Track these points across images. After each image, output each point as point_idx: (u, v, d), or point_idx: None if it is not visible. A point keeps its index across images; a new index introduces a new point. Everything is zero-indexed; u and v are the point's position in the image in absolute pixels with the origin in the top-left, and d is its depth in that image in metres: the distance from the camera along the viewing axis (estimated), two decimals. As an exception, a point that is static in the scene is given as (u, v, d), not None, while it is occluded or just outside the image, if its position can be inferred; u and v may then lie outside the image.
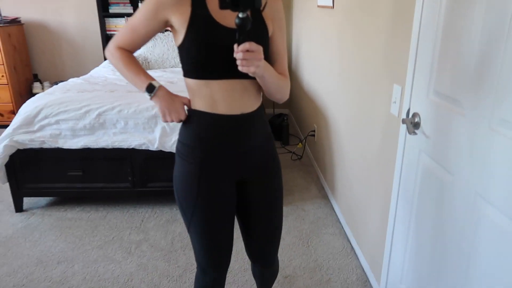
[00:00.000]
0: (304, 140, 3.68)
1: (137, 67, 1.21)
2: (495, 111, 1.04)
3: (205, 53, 1.12)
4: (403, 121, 1.48)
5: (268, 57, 1.21)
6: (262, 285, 1.56)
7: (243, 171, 1.26)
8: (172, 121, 1.20)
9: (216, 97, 1.16)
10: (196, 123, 1.20)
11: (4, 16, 4.28)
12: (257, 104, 1.23)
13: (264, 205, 1.31)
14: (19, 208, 2.64)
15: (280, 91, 1.23)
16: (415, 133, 1.46)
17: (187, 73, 1.18)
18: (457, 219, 1.23)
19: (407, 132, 1.49)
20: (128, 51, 1.23)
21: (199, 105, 1.19)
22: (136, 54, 3.99)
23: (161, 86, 1.19)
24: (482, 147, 1.09)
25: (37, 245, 2.30)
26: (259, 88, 1.23)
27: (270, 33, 1.20)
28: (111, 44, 1.22)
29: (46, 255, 2.20)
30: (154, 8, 1.14)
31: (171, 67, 3.95)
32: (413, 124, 1.46)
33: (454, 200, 1.24)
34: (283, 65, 1.26)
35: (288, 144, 3.89)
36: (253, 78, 1.16)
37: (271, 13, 1.21)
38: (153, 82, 1.19)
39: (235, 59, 1.04)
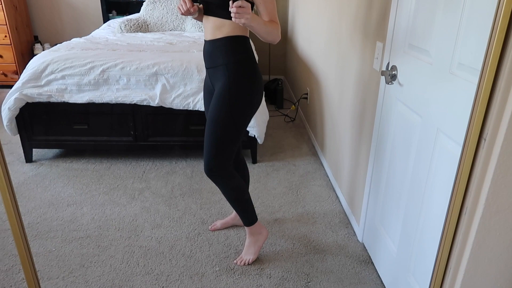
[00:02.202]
0: (297, 103, 3.85)
1: None
2: (454, 57, 1.20)
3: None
4: (382, 73, 1.65)
5: (257, 9, 1.61)
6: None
7: (212, 83, 1.73)
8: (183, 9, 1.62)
9: (204, 26, 1.68)
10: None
11: (4, -23, 4.32)
12: (220, 35, 1.62)
13: (210, 112, 1.68)
14: (29, 158, 2.82)
15: (270, 34, 1.58)
16: (392, 83, 1.63)
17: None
18: (423, 154, 1.42)
19: (386, 83, 1.66)
20: None
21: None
22: (135, 16, 4.08)
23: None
24: (444, 90, 1.26)
25: (47, 190, 2.49)
26: (227, 25, 1.60)
27: None
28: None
29: (56, 199, 2.40)
30: None
31: (170, 30, 4.05)
32: (391, 76, 1.63)
33: (421, 138, 1.42)
34: (270, 14, 1.60)
35: (282, 108, 4.06)
36: (218, 17, 1.58)
37: None
38: None
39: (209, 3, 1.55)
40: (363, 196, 2.02)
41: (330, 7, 2.70)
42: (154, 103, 2.67)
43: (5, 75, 4.32)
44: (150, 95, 2.67)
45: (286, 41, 4.87)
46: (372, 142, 1.88)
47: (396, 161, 1.64)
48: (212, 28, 1.62)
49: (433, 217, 1.35)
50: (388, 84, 1.62)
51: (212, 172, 1.72)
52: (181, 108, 2.67)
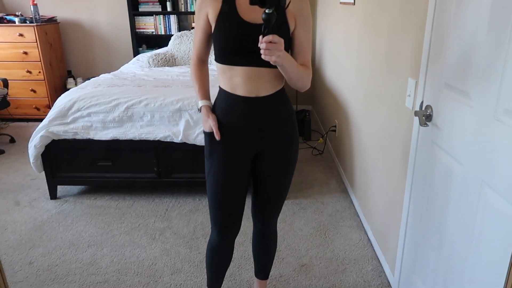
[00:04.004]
0: (325, 135, 3.72)
1: (199, 84, 1.47)
2: (499, 102, 1.07)
3: (227, 43, 1.32)
4: (416, 114, 1.52)
5: (291, 49, 1.39)
6: (263, 257, 1.74)
7: (258, 146, 1.45)
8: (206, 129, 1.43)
9: (235, 81, 1.36)
10: (220, 99, 1.44)
11: (42, 15, 4.52)
12: (273, 90, 1.39)
13: (275, 176, 1.51)
14: (53, 195, 2.82)
15: (300, 79, 1.36)
16: (427, 125, 1.49)
17: (216, 58, 1.39)
18: (465, 208, 1.26)
19: (420, 125, 1.52)
20: (201, 62, 1.49)
21: (223, 85, 1.41)
22: (163, 51, 4.14)
23: (202, 107, 1.44)
24: (488, 137, 1.12)
25: (69, 229, 2.46)
26: (276, 76, 1.38)
27: (291, 29, 1.35)
28: (192, 56, 1.50)
29: (77, 239, 2.36)
30: (199, 6, 1.38)
31: (197, 64, 4.06)
32: (425, 116, 1.49)
33: (463, 189, 1.27)
34: (304, 57, 1.40)
35: (310, 140, 3.94)
36: (270, 67, 1.31)
37: (294, 11, 1.35)
38: (199, 102, 1.45)
39: (252, 50, 1.23)
40: (398, 243, 1.85)
41: (359, 38, 2.60)
42: (178, 139, 2.62)
43: (38, 109, 4.45)
44: (173, 132, 2.63)
45: (314, 70, 4.80)
46: (406, 185, 1.73)
47: (434, 210, 1.48)
48: (266, 81, 1.36)
49: (481, 276, 1.18)
50: (423, 126, 1.48)
51: (274, 229, 1.70)
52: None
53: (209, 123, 1.40)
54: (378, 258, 2.15)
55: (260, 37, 1.14)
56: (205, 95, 1.46)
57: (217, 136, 1.39)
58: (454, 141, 1.32)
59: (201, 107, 1.44)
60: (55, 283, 1.99)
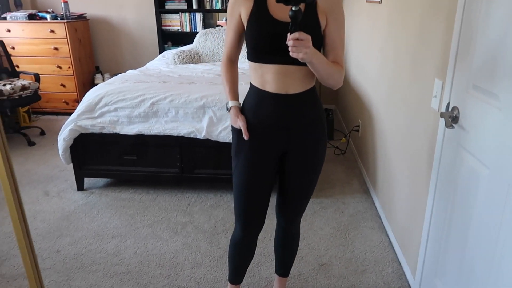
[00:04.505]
0: (348, 135, 3.69)
1: (230, 85, 1.49)
2: (530, 105, 1.04)
3: (258, 42, 1.34)
4: (441, 115, 1.49)
5: (323, 46, 1.39)
6: (285, 255, 1.75)
7: (286, 145, 1.46)
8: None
9: (266, 78, 1.38)
10: (250, 96, 1.46)
11: (72, 12, 4.65)
12: (302, 88, 1.39)
13: (301, 176, 1.51)
14: (80, 187, 2.91)
15: (331, 77, 1.35)
16: (453, 127, 1.47)
17: (248, 56, 1.42)
18: (490, 212, 1.23)
19: (445, 127, 1.50)
20: (231, 62, 1.51)
21: (254, 82, 1.43)
22: (188, 48, 4.19)
23: (232, 107, 1.46)
24: (516, 141, 1.09)
25: (95, 220, 2.53)
26: (305, 74, 1.38)
27: (322, 26, 1.35)
28: (223, 56, 1.52)
29: (102, 230, 2.43)
30: (232, 6, 1.40)
31: (221, 61, 4.10)
32: (452, 118, 1.47)
33: (488, 193, 1.24)
34: (336, 55, 1.40)
35: (333, 139, 3.91)
36: (300, 64, 1.31)
37: (326, 8, 1.35)
38: (229, 102, 1.47)
39: (282, 48, 1.23)
40: (420, 246, 1.82)
41: (385, 37, 2.57)
42: (201, 135, 2.66)
43: (67, 103, 4.59)
44: (197, 128, 2.67)
45: (337, 69, 4.76)
46: (430, 187, 1.70)
47: (459, 214, 1.45)
48: (296, 78, 1.36)
49: (505, 284, 1.15)
50: (448, 128, 1.46)
51: (297, 227, 1.70)
52: (227, 141, 2.64)
53: (238, 123, 1.42)
54: (399, 261, 2.12)
55: (288, 34, 1.15)
56: (235, 96, 1.49)
57: (246, 136, 1.41)
58: (480, 144, 1.29)
59: (231, 108, 1.46)
60: (80, 271, 2.07)
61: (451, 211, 1.51)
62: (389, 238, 2.31)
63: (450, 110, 1.50)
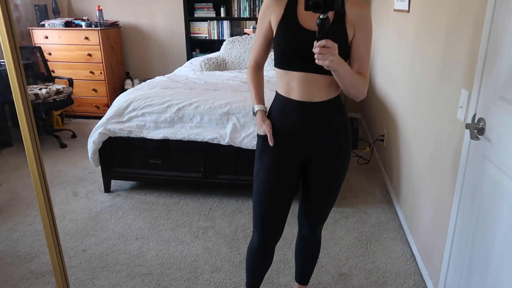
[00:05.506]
0: (372, 144, 3.65)
1: (256, 90, 1.51)
2: (557, 118, 1.01)
3: (285, 50, 1.36)
4: (467, 126, 1.46)
5: (349, 57, 1.40)
6: (305, 263, 1.75)
7: (309, 153, 1.46)
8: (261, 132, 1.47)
9: (291, 85, 1.39)
10: (275, 103, 1.47)
11: (106, 20, 4.83)
12: (326, 97, 1.40)
13: (325, 183, 1.51)
14: (107, 189, 3.01)
15: (354, 87, 1.35)
16: (478, 138, 1.43)
17: (275, 63, 1.43)
18: (514, 227, 1.20)
19: (471, 138, 1.47)
20: (258, 67, 1.54)
21: (279, 89, 1.45)
22: (215, 55, 4.26)
23: (258, 111, 1.47)
24: (543, 154, 1.06)
25: (120, 222, 2.61)
26: (330, 83, 1.38)
27: (350, 37, 1.36)
28: (250, 61, 1.55)
29: (126, 231, 2.49)
30: (263, 12, 1.42)
31: (246, 68, 4.15)
32: (477, 130, 1.44)
33: (513, 208, 1.21)
34: (362, 66, 1.40)
35: (357, 148, 3.87)
36: (325, 73, 1.32)
37: (354, 19, 1.36)
38: (255, 106, 1.49)
39: (308, 56, 1.24)
40: (443, 260, 1.78)
41: (412, 46, 2.54)
42: (224, 142, 2.70)
43: (98, 107, 4.75)
44: (221, 134, 2.71)
45: (364, 78, 4.71)
46: (454, 199, 1.67)
47: (483, 228, 1.41)
48: (320, 87, 1.37)
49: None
50: (474, 139, 1.43)
51: (319, 235, 1.71)
52: (249, 147, 2.66)
53: (263, 128, 1.44)
54: (421, 273, 2.08)
55: (315, 41, 1.17)
56: (261, 100, 1.50)
57: (271, 142, 1.42)
58: (506, 156, 1.26)
59: (256, 111, 1.48)
60: (104, 271, 2.13)
61: (476, 224, 1.47)
62: (411, 250, 2.27)
63: (476, 121, 1.47)
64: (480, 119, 1.44)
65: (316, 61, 1.19)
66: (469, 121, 1.53)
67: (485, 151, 1.41)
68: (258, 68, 1.54)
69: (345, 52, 1.37)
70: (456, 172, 1.68)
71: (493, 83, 1.36)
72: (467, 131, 1.55)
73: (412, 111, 2.43)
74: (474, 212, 1.48)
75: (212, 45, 5.00)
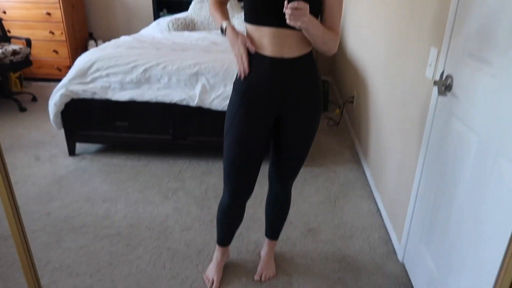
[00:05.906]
0: (342, 106, 3.68)
1: (220, 14, 1.46)
2: (520, 67, 1.03)
3: (255, 5, 1.34)
4: (435, 83, 1.48)
5: (321, 13, 1.38)
6: (275, 218, 1.78)
7: (281, 109, 1.45)
8: (238, 53, 1.39)
9: (263, 41, 1.36)
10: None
11: (64, -24, 4.51)
12: (298, 52, 1.38)
13: (295, 139, 1.52)
14: (72, 152, 2.90)
15: (326, 44, 1.36)
16: (446, 95, 1.46)
17: (245, 18, 1.40)
18: (477, 178, 1.25)
19: (438, 94, 1.49)
20: (221, 3, 1.49)
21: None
22: (183, 15, 4.10)
23: (227, 27, 1.41)
24: (508, 107, 1.09)
25: (86, 185, 2.54)
26: (302, 39, 1.36)
27: None
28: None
29: (93, 194, 2.44)
30: None
31: (216, 29, 4.03)
32: (445, 86, 1.46)
33: (476, 159, 1.25)
34: (333, 22, 1.38)
35: (327, 111, 3.90)
36: (296, 29, 1.29)
37: None
38: (223, 23, 1.43)
39: (279, 11, 1.21)
40: (406, 213, 1.85)
41: (382, 7, 2.52)
42: (194, 103, 2.63)
43: (59, 70, 4.51)
44: (189, 95, 2.64)
45: (334, 42, 4.69)
46: (420, 156, 1.71)
47: (446, 181, 1.47)
48: (292, 42, 1.35)
49: (486, 248, 1.18)
50: (441, 95, 1.45)
51: (289, 192, 1.72)
52: (219, 109, 2.62)
53: (239, 43, 1.38)
54: (386, 227, 2.16)
55: (286, 2, 1.16)
56: (227, 17, 1.46)
57: (251, 48, 1.37)
58: (472, 111, 1.29)
59: (225, 29, 1.41)
60: (70, 233, 2.08)
61: (439, 177, 1.53)
62: (377, 206, 2.35)
63: (444, 78, 1.49)
64: (448, 76, 1.46)
65: (287, 21, 1.19)
66: (437, 78, 1.55)
67: (451, 108, 1.44)
68: (221, 3, 1.50)
69: (317, 8, 1.34)
70: (423, 130, 1.72)
71: (462, 41, 1.37)
72: (435, 89, 1.57)
73: (382, 72, 2.44)
74: (439, 166, 1.53)
75: (180, 5, 4.79)
